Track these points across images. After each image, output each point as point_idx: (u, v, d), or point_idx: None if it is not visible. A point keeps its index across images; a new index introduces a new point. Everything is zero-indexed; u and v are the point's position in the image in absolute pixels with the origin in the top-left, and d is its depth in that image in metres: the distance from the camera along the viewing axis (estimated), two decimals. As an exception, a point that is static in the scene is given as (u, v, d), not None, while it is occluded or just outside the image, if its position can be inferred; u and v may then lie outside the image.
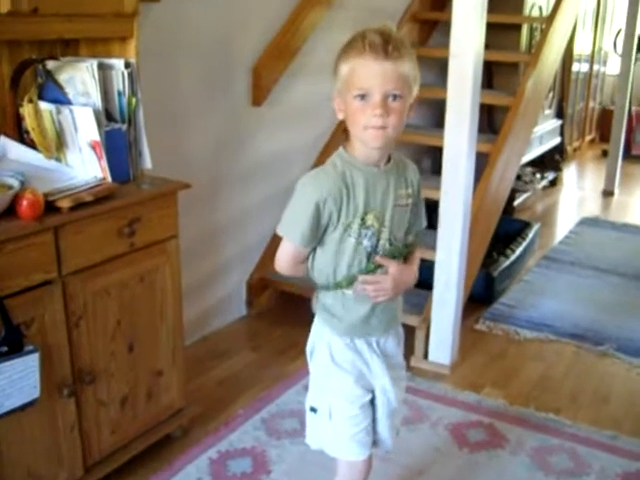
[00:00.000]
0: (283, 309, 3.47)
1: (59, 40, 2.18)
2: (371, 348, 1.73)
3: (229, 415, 2.67)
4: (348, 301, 1.67)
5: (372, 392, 1.75)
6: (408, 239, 1.72)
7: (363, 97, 1.50)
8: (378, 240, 1.63)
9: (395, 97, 1.50)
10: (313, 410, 1.77)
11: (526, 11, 5.19)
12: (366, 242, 1.62)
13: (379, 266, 1.65)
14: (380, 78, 1.48)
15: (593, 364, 3.19)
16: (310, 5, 3.44)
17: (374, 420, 1.78)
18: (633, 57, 6.12)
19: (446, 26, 2.83)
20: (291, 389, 2.83)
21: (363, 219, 1.60)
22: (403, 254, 1.71)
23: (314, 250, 1.66)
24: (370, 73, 1.49)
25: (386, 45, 1.47)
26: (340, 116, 1.61)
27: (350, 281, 1.65)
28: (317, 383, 1.77)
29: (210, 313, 3.33)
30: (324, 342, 1.72)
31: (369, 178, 1.60)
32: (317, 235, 1.61)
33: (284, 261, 1.68)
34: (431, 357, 3.10)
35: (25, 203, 1.81)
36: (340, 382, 1.71)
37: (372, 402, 1.76)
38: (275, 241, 3.57)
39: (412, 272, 1.72)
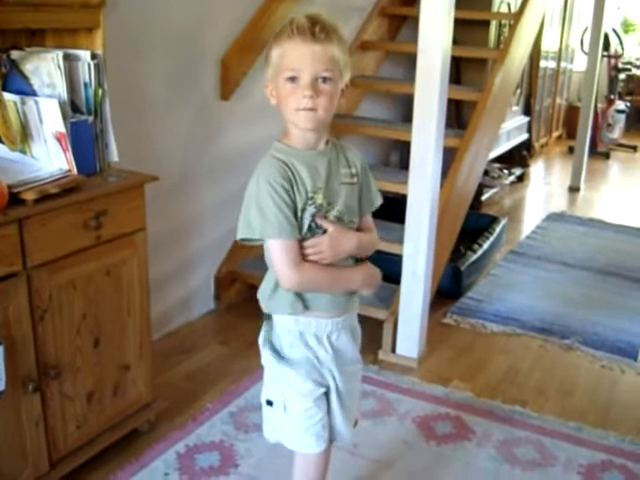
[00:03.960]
0: (251, 302, 3.38)
1: (24, 30, 2.15)
2: (321, 343, 1.71)
3: (197, 409, 2.66)
4: None
5: (326, 386, 1.74)
6: (362, 220, 1.74)
7: (293, 79, 1.53)
8: (324, 217, 1.62)
9: (325, 79, 1.53)
10: (269, 403, 1.76)
11: (495, 7, 5.24)
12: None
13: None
14: (309, 60, 1.51)
15: (559, 357, 3.23)
16: (279, -2, 3.43)
17: (329, 413, 1.77)
18: (599, 55, 6.20)
19: (415, 21, 2.84)
20: (259, 382, 2.77)
21: (312, 198, 1.60)
22: None
23: None
24: (299, 55, 1.51)
25: (313, 27, 1.51)
26: (273, 102, 1.61)
27: None
28: (270, 376, 1.77)
29: (178, 307, 3.31)
30: (275, 335, 1.73)
31: (309, 160, 1.61)
32: (295, 220, 1.57)
33: (286, 266, 1.59)
34: (399, 350, 3.11)
35: (-12, 195, 1.78)
36: (291, 375, 1.70)
37: (327, 395, 1.75)
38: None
39: (353, 237, 1.67)
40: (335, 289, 1.68)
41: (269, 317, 1.75)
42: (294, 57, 1.52)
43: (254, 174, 1.60)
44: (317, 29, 1.50)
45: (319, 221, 1.61)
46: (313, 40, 1.50)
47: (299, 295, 1.65)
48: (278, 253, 1.58)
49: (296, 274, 1.59)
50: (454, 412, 2.70)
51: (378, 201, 1.78)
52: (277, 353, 1.72)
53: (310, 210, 1.60)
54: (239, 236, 1.61)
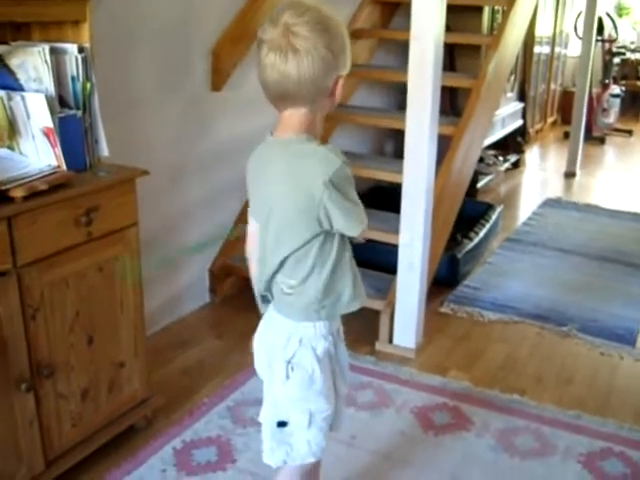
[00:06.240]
0: (246, 295, 3.35)
1: (9, 23, 2.11)
2: (333, 336, 1.65)
3: (194, 404, 2.64)
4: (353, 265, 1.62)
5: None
6: None
7: None
8: None
9: None
10: (283, 424, 1.64)
11: (487, -7, 5.19)
12: None
13: None
14: None
15: (556, 345, 3.21)
16: (269, -13, 3.39)
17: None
18: (593, 39, 6.17)
19: (408, 8, 2.81)
20: (256, 376, 2.80)
21: None
22: None
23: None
24: None
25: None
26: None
27: None
28: (295, 395, 1.61)
29: (173, 301, 3.29)
30: (308, 349, 1.59)
31: None
32: None
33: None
34: (396, 341, 3.10)
35: (-24, 193, 1.76)
36: (325, 384, 1.61)
37: None
38: (238, 226, 3.55)
39: None
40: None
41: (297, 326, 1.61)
42: None
43: (330, 162, 1.46)
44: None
45: None
46: None
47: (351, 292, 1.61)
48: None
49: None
50: (452, 402, 2.69)
51: None
52: (314, 365, 1.59)
53: None
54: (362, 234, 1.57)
